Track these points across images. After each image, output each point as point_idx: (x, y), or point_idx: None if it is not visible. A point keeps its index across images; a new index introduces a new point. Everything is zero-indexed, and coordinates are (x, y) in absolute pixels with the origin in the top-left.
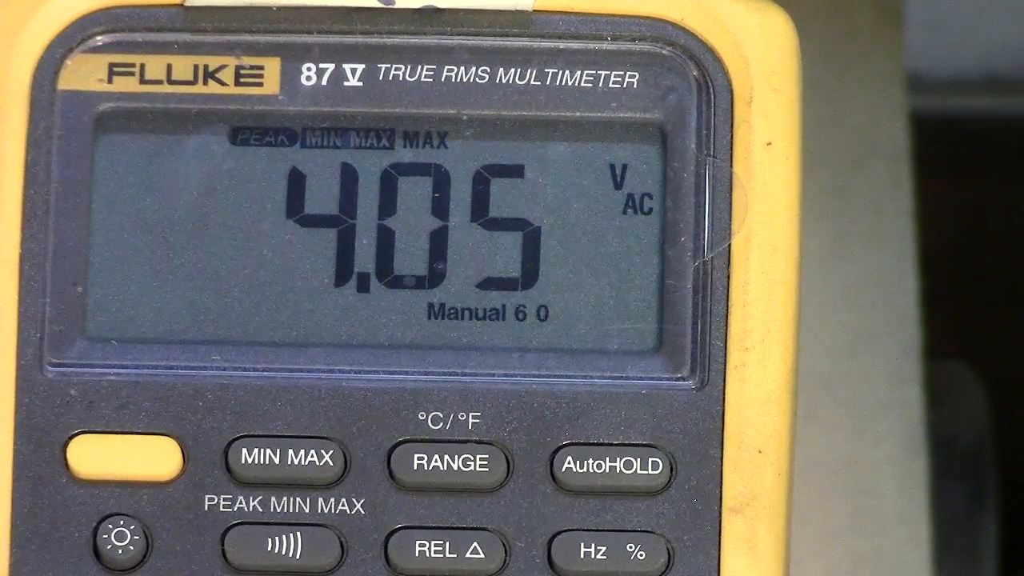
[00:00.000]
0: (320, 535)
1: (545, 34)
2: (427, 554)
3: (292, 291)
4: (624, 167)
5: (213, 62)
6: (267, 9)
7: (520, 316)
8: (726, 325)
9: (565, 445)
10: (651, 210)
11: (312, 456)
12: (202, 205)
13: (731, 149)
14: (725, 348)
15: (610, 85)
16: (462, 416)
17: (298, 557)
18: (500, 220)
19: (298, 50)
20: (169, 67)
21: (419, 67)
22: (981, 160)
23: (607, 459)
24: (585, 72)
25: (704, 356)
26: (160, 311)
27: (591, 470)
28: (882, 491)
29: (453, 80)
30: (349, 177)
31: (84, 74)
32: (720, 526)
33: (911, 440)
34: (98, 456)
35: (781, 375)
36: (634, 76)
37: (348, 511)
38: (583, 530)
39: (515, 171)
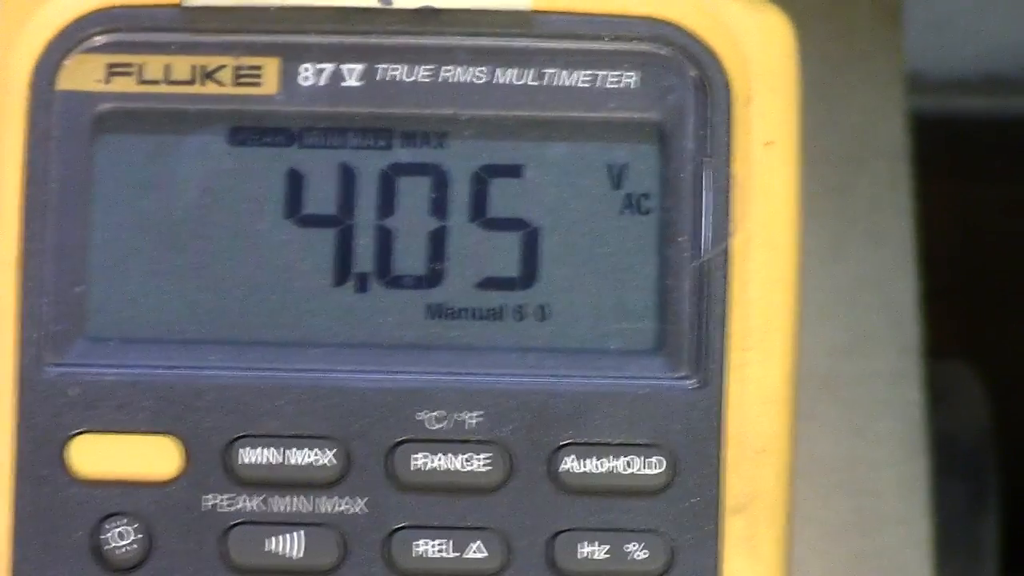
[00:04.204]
0: (321, 535)
1: (544, 34)
2: (428, 553)
3: (291, 291)
4: (623, 167)
5: (211, 62)
6: (265, 9)
7: (519, 316)
8: (726, 325)
9: (565, 444)
10: (650, 210)
11: (312, 456)
12: (201, 205)
13: (730, 149)
14: (725, 348)
15: (608, 85)
16: (462, 416)
17: (299, 557)
18: (499, 220)
19: (296, 50)
20: (167, 67)
21: (417, 67)
22: (981, 160)
23: (608, 458)
24: (584, 72)
25: (704, 356)
26: (160, 311)
27: (592, 469)
28: (882, 491)
29: (451, 80)
30: (347, 177)
31: (82, 74)
32: (721, 526)
33: (911, 440)
34: (98, 456)
35: (781, 375)
36: (633, 76)
37: (349, 511)
38: (584, 529)
39: (514, 171)
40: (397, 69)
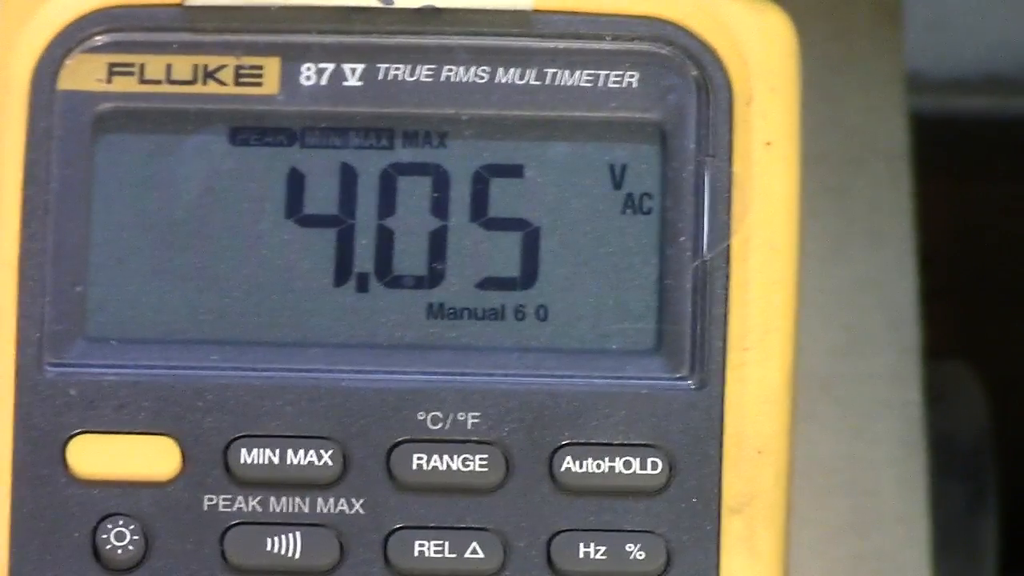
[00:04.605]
0: (319, 535)
1: (545, 34)
2: (426, 554)
3: (291, 291)
4: (623, 167)
5: (212, 62)
6: (266, 9)
7: (519, 316)
8: (725, 325)
9: (564, 445)
10: (650, 210)
11: (311, 456)
12: (201, 205)
13: (730, 149)
14: (724, 348)
15: (610, 85)
16: (461, 416)
17: (297, 557)
18: (499, 220)
19: (297, 50)
20: (168, 67)
21: (418, 67)
22: (980, 160)
23: (606, 459)
24: (585, 72)
25: (703, 356)
26: (160, 311)
27: (590, 470)
28: (881, 491)
29: (452, 80)
30: (348, 177)
31: (83, 74)
32: (719, 526)
33: (910, 440)
34: (98, 456)
35: (780, 375)
36: (634, 76)
37: (347, 511)
38: (582, 530)
39: (514, 171)
40: (398, 69)
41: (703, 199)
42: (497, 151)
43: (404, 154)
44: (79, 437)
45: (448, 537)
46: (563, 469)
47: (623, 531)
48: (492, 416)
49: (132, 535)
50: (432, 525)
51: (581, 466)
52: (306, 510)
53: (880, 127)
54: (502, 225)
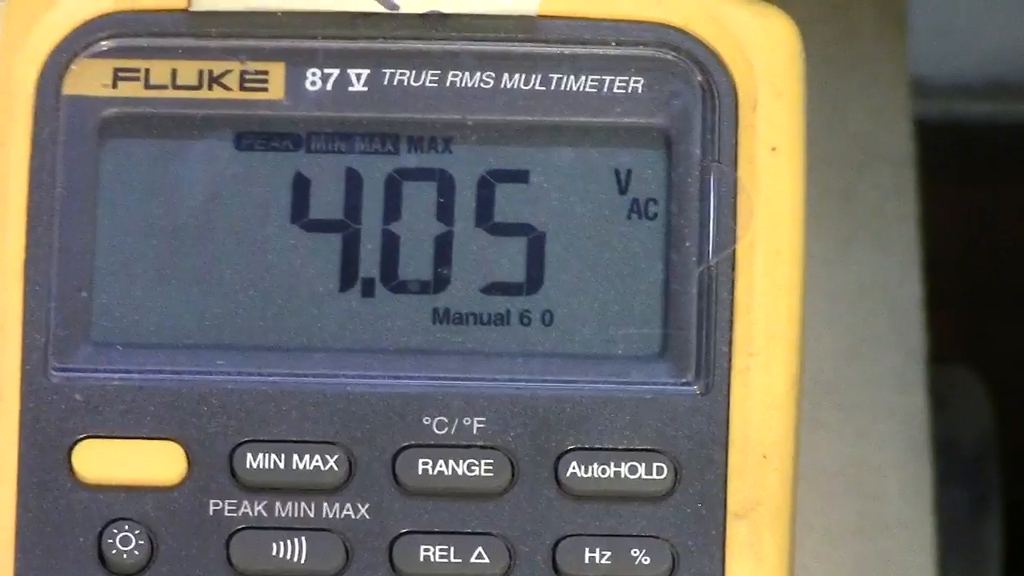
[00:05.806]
0: (325, 540)
1: (550, 39)
2: (432, 559)
3: (297, 296)
4: (629, 172)
5: (218, 67)
6: (272, 14)
7: (525, 321)
8: (731, 330)
9: (570, 450)
10: (656, 215)
11: (317, 461)
12: (207, 210)
13: (736, 154)
14: (730, 353)
15: (615, 90)
16: (467, 421)
17: (303, 562)
18: (505, 225)
19: (303, 55)
20: (174, 72)
21: (424, 72)
22: (985, 165)
23: (612, 464)
24: (590, 77)
25: (709, 361)
26: (165, 316)
27: (596, 475)
28: (886, 495)
29: (458, 85)
30: (354, 182)
31: (89, 79)
32: (724, 531)
33: (915, 444)
34: (103, 461)
35: (786, 380)
36: (639, 81)
37: (353, 516)
38: (588, 535)
39: (520, 176)
40: (404, 74)
41: (708, 204)
42: (502, 156)
43: (409, 159)
44: (85, 442)
45: (453, 542)
46: (568, 474)
47: (628, 536)
48: (497, 421)
49: (138, 540)
50: (437, 530)
51: (586, 471)
52: (311, 515)
53: (885, 132)
54: (507, 230)
